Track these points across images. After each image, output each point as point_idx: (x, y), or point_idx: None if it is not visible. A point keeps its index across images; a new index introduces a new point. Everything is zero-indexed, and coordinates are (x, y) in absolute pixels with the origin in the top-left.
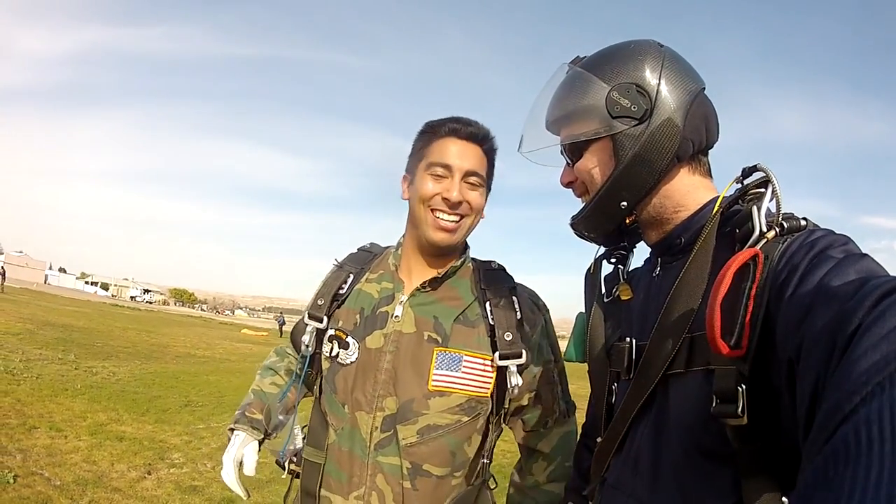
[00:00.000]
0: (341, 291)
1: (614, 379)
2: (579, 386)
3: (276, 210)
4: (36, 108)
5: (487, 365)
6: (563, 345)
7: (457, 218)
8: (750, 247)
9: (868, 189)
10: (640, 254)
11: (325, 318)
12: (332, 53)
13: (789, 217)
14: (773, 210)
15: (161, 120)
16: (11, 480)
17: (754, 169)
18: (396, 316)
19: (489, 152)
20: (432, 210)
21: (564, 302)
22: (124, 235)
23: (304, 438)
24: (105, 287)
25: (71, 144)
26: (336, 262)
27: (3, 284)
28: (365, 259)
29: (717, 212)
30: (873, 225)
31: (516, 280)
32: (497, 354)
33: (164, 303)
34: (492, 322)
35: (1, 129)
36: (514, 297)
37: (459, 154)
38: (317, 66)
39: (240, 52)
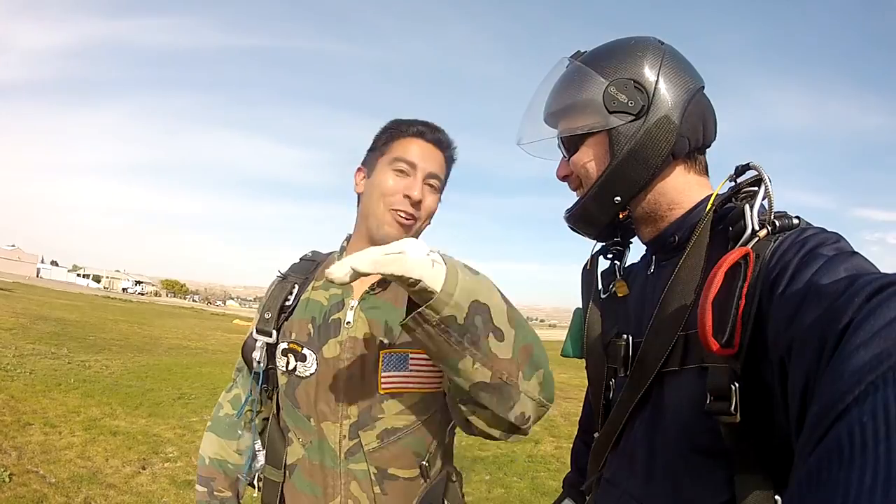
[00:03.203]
0: (287, 303)
1: (611, 375)
2: (572, 375)
3: (269, 200)
4: (30, 103)
5: None
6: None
7: (412, 218)
8: (742, 245)
9: (863, 181)
10: (637, 249)
11: (274, 332)
12: (330, 43)
13: (781, 215)
14: (766, 208)
15: (155, 112)
16: (7, 479)
17: (747, 167)
18: (348, 322)
19: (449, 161)
20: (391, 208)
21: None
22: (116, 227)
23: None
24: (97, 279)
25: (64, 138)
26: (279, 274)
27: None
28: (308, 268)
29: (709, 210)
30: (867, 217)
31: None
32: None
33: (156, 294)
34: None
35: None
36: None
37: (424, 155)
38: (314, 56)
39: (237, 43)
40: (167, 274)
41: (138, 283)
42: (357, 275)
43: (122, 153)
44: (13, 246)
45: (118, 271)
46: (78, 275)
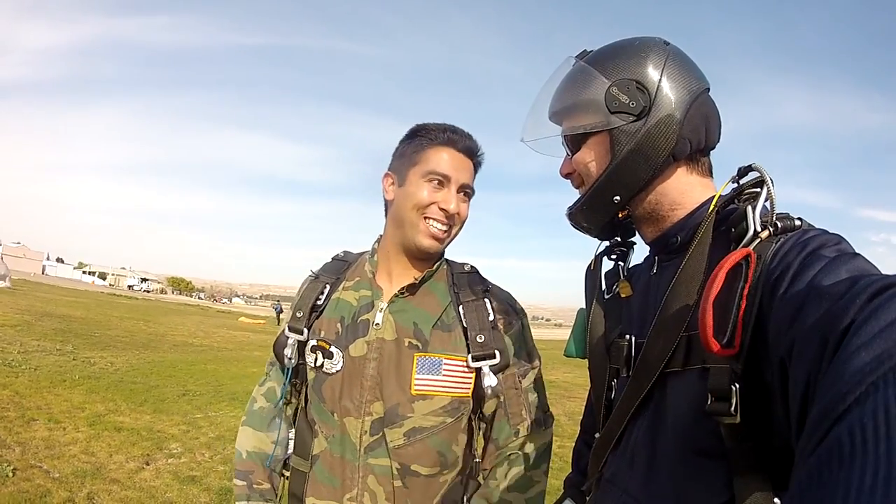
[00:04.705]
0: (319, 302)
1: (614, 375)
2: (577, 375)
3: (275, 198)
4: (36, 101)
5: (465, 365)
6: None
7: (447, 227)
8: (744, 246)
9: (869, 181)
10: (641, 250)
11: (306, 330)
12: (334, 41)
13: (784, 217)
14: (769, 209)
15: (161, 110)
16: (10, 474)
17: (749, 169)
18: (377, 323)
19: (477, 167)
20: (425, 217)
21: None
22: (122, 225)
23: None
24: (103, 276)
25: (70, 136)
26: (312, 273)
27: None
28: (339, 268)
29: (712, 211)
30: (872, 218)
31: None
32: (470, 357)
33: (162, 291)
34: (465, 325)
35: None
36: (487, 300)
37: (457, 166)
38: (318, 55)
39: (242, 41)
40: (173, 271)
41: (144, 280)
42: None
43: (129, 151)
44: (18, 243)
45: (124, 269)
46: (83, 272)
